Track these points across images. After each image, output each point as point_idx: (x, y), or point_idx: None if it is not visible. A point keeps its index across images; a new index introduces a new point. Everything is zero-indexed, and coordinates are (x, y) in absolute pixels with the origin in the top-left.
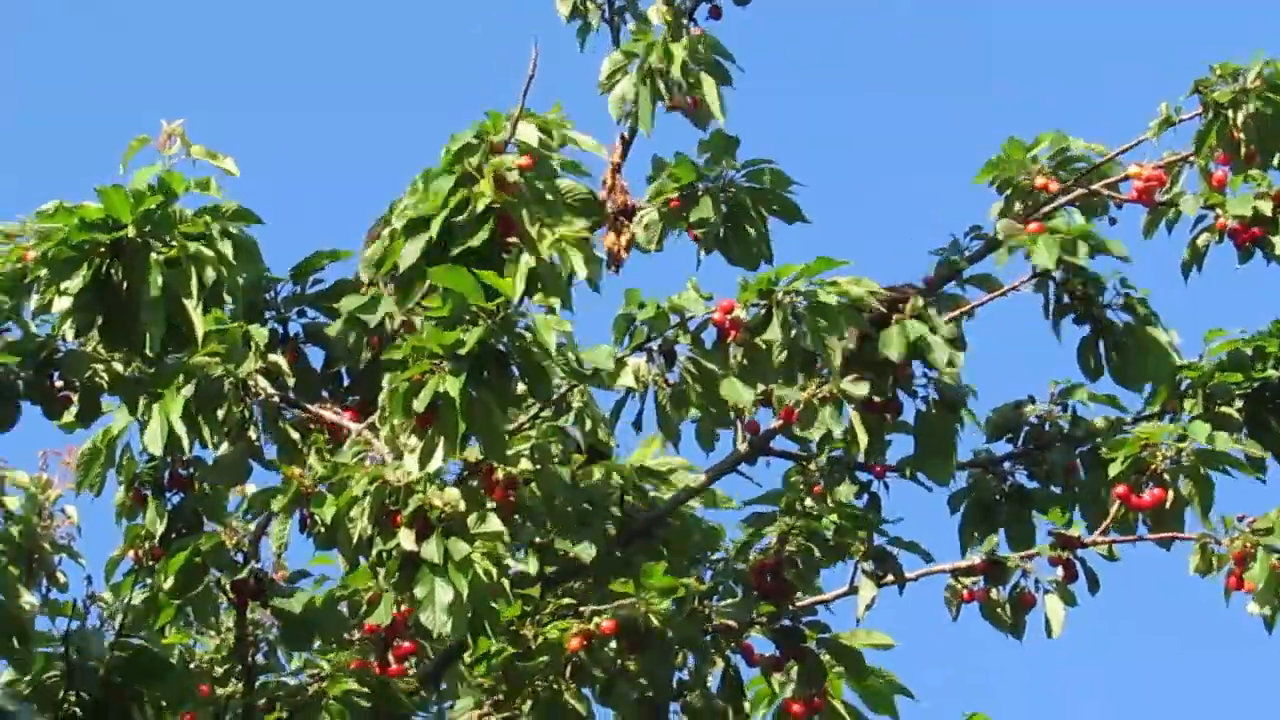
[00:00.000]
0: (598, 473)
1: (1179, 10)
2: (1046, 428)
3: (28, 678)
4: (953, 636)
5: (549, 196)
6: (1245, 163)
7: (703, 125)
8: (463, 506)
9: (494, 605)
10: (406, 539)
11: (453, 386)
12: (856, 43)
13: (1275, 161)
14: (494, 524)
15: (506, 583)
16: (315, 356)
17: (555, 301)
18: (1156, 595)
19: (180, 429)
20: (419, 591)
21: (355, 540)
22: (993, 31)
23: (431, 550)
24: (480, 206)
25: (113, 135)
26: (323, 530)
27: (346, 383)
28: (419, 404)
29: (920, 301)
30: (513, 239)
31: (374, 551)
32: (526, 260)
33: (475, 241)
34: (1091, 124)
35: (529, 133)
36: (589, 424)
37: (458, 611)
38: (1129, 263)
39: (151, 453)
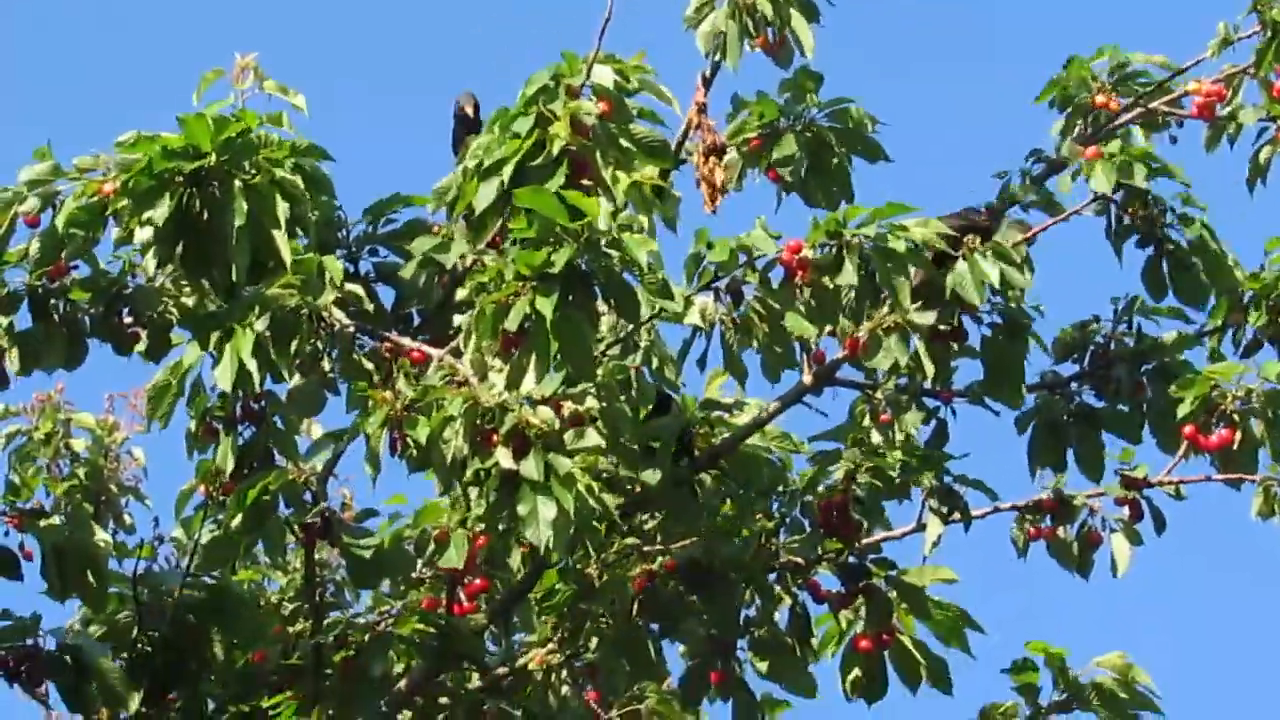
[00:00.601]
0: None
1: None
2: (1112, 346)
3: (100, 618)
4: (1020, 573)
5: (623, 141)
6: None
7: (785, 65)
8: (558, 424)
9: (595, 524)
10: (505, 457)
11: (545, 306)
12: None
13: None
14: (592, 438)
15: (609, 499)
16: (386, 296)
17: (643, 220)
18: (1225, 533)
19: (251, 365)
20: (522, 509)
21: (450, 460)
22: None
23: (531, 467)
24: (555, 150)
25: (99, 122)
26: (415, 453)
27: (417, 323)
28: (510, 323)
29: (982, 239)
30: (586, 181)
31: (469, 471)
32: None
33: (550, 185)
34: None
35: (605, 76)
36: (655, 362)
37: (561, 526)
38: (1189, 187)
39: (222, 389)
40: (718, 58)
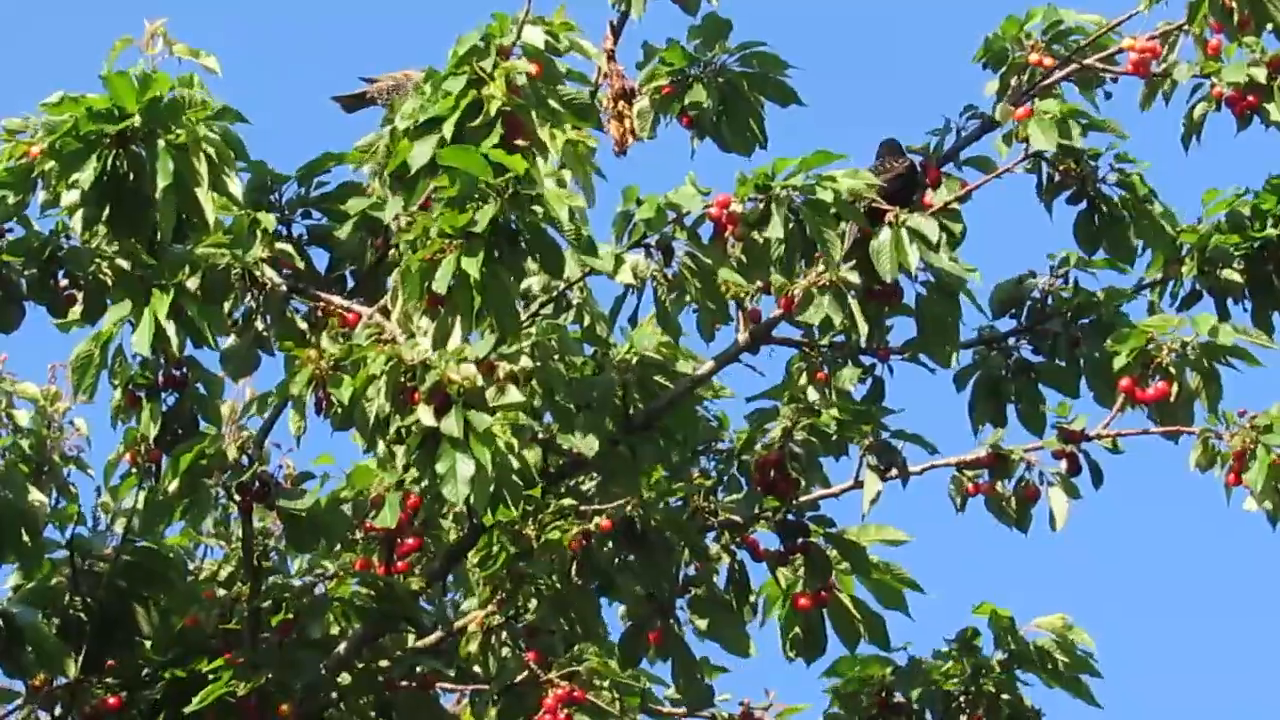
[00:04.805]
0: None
1: None
2: (1049, 301)
3: (32, 584)
4: (960, 528)
5: (552, 102)
6: (1239, 29)
7: (693, 11)
8: (480, 381)
9: (515, 478)
10: (425, 414)
11: (472, 266)
12: None
13: (1269, 27)
14: (514, 395)
15: (529, 454)
16: (319, 260)
17: (566, 175)
18: (1163, 486)
19: (169, 328)
20: (440, 466)
21: (373, 419)
22: None
23: (451, 424)
24: (492, 110)
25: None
26: (339, 411)
27: (351, 285)
28: (438, 284)
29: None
30: (520, 141)
31: (392, 430)
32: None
33: (486, 145)
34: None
35: (535, 35)
36: (587, 320)
37: (480, 484)
38: (1126, 139)
39: (140, 353)
40: (624, 7)
